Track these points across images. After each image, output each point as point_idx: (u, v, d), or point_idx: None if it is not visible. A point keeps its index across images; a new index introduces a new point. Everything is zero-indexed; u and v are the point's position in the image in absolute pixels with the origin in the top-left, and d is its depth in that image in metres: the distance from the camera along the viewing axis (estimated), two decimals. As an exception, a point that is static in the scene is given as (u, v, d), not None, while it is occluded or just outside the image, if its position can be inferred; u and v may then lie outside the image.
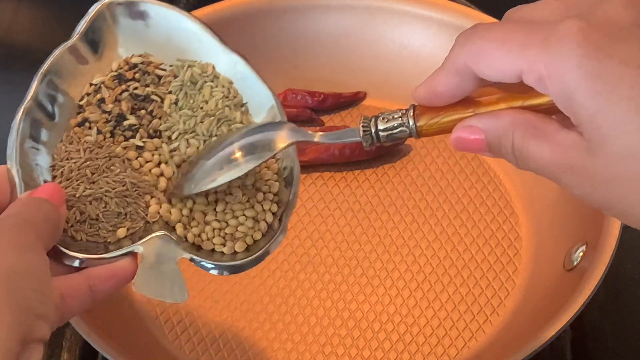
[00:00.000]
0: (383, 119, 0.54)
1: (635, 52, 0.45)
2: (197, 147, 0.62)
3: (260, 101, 0.64)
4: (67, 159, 0.61)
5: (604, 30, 0.46)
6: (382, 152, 0.85)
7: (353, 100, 0.90)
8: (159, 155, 0.62)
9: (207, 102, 0.63)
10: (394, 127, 0.54)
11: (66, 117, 0.62)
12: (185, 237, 0.60)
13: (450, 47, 0.51)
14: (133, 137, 0.62)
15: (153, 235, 0.59)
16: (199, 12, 0.87)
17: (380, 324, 0.76)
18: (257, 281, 0.78)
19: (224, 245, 0.60)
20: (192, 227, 0.60)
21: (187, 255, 0.59)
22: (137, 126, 0.63)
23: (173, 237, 0.59)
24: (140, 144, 0.62)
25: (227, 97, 0.64)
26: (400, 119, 0.54)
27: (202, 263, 0.59)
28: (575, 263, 0.75)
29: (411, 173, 0.85)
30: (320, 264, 0.80)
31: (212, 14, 0.87)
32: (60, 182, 0.60)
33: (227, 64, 0.65)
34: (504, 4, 0.99)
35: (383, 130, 0.54)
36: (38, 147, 0.61)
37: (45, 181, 0.60)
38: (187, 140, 0.62)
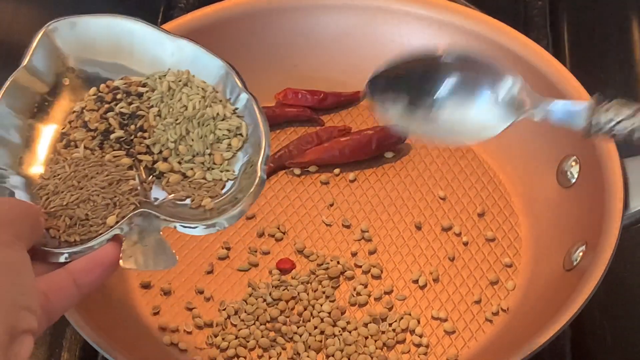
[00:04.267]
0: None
1: None
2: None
3: (217, 75, 0.66)
4: (53, 177, 0.62)
5: None
6: (382, 151, 0.85)
7: (353, 99, 0.90)
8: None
9: (186, 108, 0.65)
10: None
11: (24, 138, 0.64)
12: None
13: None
14: (121, 149, 0.64)
15: (131, 214, 0.60)
16: (199, 12, 0.87)
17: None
18: (258, 280, 0.78)
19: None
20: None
21: (171, 225, 0.60)
22: (124, 138, 0.64)
23: (152, 211, 0.60)
24: (129, 162, 0.64)
25: (204, 98, 0.65)
26: None
27: (184, 227, 0.60)
28: (575, 263, 0.75)
29: (411, 173, 0.85)
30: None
31: (212, 14, 0.87)
32: (48, 197, 0.61)
33: (174, 50, 0.67)
34: (504, 4, 1.00)
35: None
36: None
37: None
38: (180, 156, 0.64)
